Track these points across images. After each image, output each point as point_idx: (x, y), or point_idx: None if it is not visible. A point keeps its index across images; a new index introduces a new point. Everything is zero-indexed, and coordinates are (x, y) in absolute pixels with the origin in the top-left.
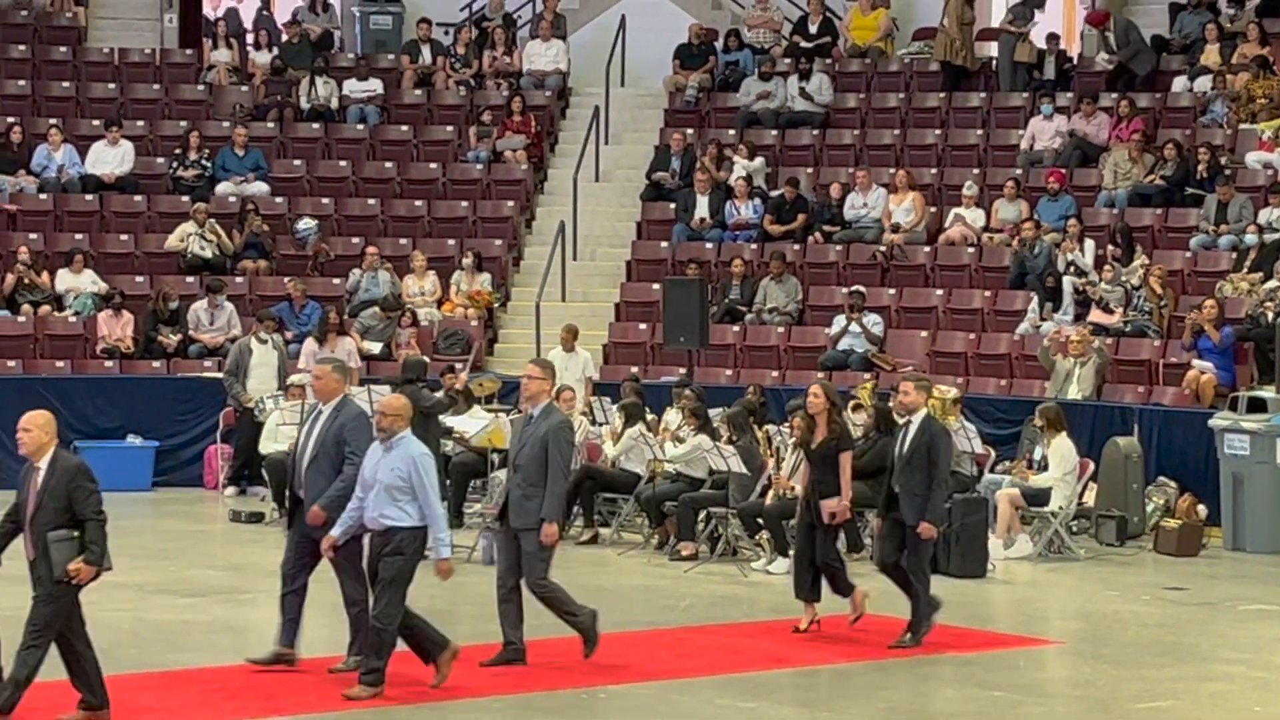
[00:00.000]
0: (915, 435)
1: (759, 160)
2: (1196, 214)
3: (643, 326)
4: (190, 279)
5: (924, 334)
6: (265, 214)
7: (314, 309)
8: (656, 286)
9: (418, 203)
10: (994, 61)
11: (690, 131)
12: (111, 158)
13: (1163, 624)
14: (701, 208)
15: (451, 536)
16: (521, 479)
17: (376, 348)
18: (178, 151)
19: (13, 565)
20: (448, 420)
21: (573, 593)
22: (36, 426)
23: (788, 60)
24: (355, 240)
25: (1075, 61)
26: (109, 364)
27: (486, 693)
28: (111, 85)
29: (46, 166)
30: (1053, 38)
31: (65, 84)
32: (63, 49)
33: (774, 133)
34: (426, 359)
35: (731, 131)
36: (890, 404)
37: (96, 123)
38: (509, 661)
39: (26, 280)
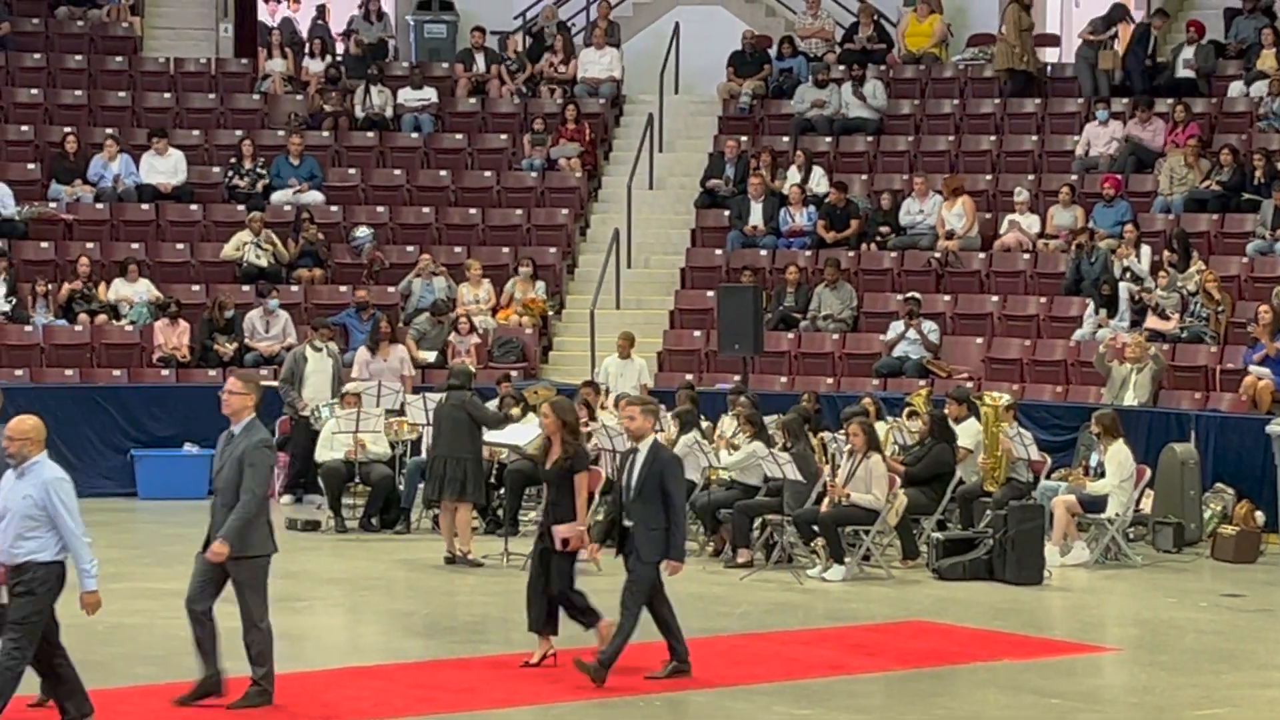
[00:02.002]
0: (644, 464)
1: (816, 172)
2: (1253, 219)
3: (697, 334)
4: (246, 288)
5: (979, 340)
6: (320, 223)
7: (379, 318)
8: (711, 294)
9: (472, 211)
10: (1048, 68)
11: (744, 138)
12: (166, 167)
13: (1220, 631)
14: (755, 215)
15: (95, 566)
16: (221, 502)
17: (431, 356)
18: (233, 161)
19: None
20: (489, 436)
21: None
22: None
23: (842, 67)
24: (410, 248)
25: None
26: (165, 373)
27: (542, 700)
28: (167, 95)
29: (103, 176)
30: (1143, 29)
31: (121, 94)
32: (118, 59)
33: (828, 139)
34: (472, 367)
35: (786, 138)
36: (944, 410)
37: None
38: (206, 694)
39: (83, 290)
